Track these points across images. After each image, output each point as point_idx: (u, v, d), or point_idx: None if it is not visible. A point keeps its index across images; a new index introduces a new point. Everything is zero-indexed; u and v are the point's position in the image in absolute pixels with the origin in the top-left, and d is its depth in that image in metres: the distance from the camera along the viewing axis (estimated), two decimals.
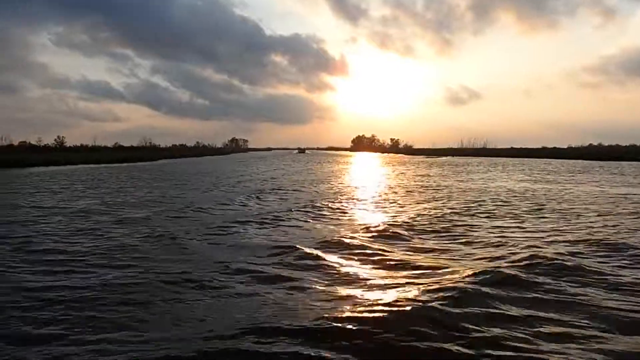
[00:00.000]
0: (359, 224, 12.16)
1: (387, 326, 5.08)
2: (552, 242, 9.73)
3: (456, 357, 4.49)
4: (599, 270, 7.37)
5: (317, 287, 6.66)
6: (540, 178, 30.89)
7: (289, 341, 4.76)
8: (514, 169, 43.29)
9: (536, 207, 15.27)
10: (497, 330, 5.05)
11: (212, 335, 4.93)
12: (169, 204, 16.49)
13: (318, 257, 8.32)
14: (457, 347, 4.64)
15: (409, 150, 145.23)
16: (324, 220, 12.98)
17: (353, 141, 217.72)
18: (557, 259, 7.83)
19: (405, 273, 7.37)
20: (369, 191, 21.79)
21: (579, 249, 8.85)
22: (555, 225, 11.87)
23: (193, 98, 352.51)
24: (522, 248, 9.05)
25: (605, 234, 10.49)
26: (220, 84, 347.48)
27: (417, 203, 16.79)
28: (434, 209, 15.00)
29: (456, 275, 7.02)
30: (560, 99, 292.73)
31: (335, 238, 10.02)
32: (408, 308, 5.54)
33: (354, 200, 17.53)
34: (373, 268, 7.76)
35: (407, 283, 6.76)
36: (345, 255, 8.54)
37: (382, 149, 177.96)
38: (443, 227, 11.56)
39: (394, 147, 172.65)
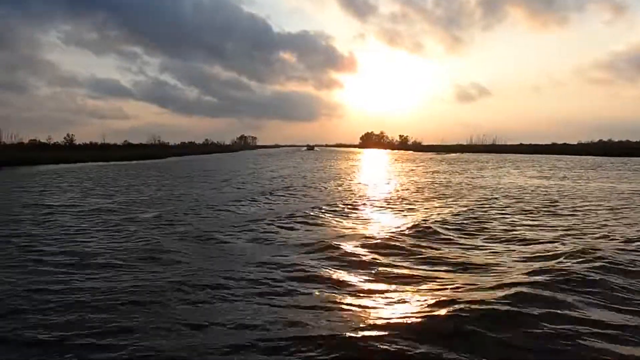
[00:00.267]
0: (391, 223, 11.85)
1: (455, 325, 4.95)
2: (596, 237, 9.55)
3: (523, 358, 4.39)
4: None
5: (370, 287, 6.46)
6: (553, 174, 30.55)
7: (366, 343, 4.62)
8: (526, 166, 42.87)
9: (553, 204, 15.09)
10: (564, 330, 4.88)
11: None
12: (184, 202, 16.41)
13: (361, 255, 8.12)
14: (524, 346, 4.55)
15: (418, 147, 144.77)
16: (352, 219, 12.61)
17: (362, 138, 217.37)
18: (608, 256, 7.61)
19: (459, 272, 7.17)
20: (387, 189, 21.49)
21: (624, 246, 8.57)
22: (588, 221, 11.74)
23: (201, 95, 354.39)
24: (567, 245, 8.81)
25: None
26: (229, 82, 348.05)
27: (439, 201, 16.46)
28: (460, 206, 14.59)
29: (513, 274, 6.79)
30: (569, 96, 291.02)
31: (374, 236, 9.77)
32: (474, 307, 5.33)
33: (376, 199, 16.97)
34: (424, 267, 7.53)
35: (466, 283, 6.53)
36: (389, 253, 8.32)
37: (390, 145, 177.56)
38: (475, 225, 11.25)
39: (403, 144, 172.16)
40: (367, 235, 9.89)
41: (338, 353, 4.44)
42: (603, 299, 5.83)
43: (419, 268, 7.46)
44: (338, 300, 5.89)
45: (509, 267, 7.35)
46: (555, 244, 8.96)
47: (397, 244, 9.06)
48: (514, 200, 16.18)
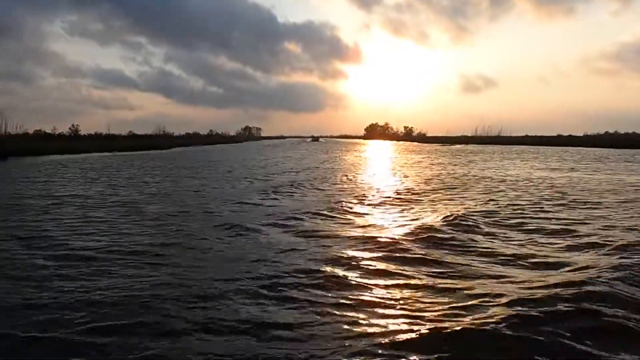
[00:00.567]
0: (428, 214, 11.55)
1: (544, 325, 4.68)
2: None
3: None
4: None
5: (437, 280, 6.29)
6: (573, 167, 30.38)
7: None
8: (541, 158, 42.61)
9: (584, 197, 14.81)
10: None
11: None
12: (187, 195, 16.35)
13: (409, 249, 7.90)
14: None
15: (422, 138, 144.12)
16: (385, 212, 12.21)
17: (366, 129, 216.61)
18: None
19: (516, 267, 6.97)
20: (402, 182, 21.29)
21: None
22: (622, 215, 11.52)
23: (206, 86, 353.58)
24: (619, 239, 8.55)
25: None
26: (234, 72, 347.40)
27: (461, 194, 16.12)
28: (484, 201, 14.01)
29: (584, 270, 6.54)
30: (576, 87, 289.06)
31: (415, 229, 9.53)
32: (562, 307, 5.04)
33: (401, 193, 16.12)
34: (482, 261, 7.29)
35: (534, 279, 6.30)
36: (443, 247, 8.13)
37: (395, 137, 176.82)
38: (510, 219, 10.82)
39: (408, 135, 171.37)
40: (410, 230, 9.60)
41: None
42: None
43: (473, 261, 7.30)
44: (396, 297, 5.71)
45: (570, 261, 7.12)
46: (606, 237, 8.77)
47: (439, 235, 8.91)
48: (538, 192, 16.06)
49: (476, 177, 22.29)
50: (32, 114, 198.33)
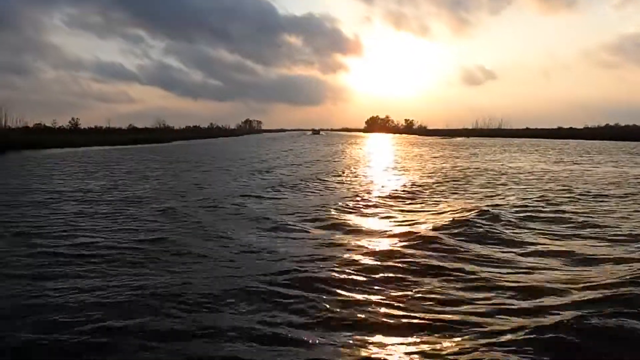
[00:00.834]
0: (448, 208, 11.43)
1: None
2: None
3: None
4: None
5: (483, 275, 6.19)
6: (568, 159, 30.30)
7: None
8: (542, 151, 42.51)
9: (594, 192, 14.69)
10: None
11: None
12: (186, 191, 16.27)
13: (445, 243, 7.76)
14: None
15: (423, 131, 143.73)
16: (397, 207, 11.92)
17: (367, 122, 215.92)
18: None
19: (567, 263, 6.82)
20: (421, 175, 21.27)
21: None
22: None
23: (206, 79, 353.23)
24: None
25: None
26: (234, 65, 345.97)
27: (482, 188, 15.99)
28: (505, 196, 13.68)
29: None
30: (577, 79, 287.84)
31: (451, 218, 9.57)
32: None
33: (418, 187, 15.83)
34: (524, 255, 7.20)
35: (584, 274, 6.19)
36: (481, 241, 8.02)
37: (396, 129, 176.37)
38: (539, 214, 10.57)
39: (408, 128, 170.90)
40: (450, 219, 9.59)
41: None
42: None
43: (513, 254, 7.22)
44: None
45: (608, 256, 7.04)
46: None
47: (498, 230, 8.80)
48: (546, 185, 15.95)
49: (479, 170, 22.20)
50: (32, 107, 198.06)
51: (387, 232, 8.91)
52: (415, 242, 7.78)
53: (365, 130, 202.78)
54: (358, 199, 13.10)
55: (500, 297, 5.41)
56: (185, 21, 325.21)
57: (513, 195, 13.77)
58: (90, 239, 8.36)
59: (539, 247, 7.69)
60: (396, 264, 6.63)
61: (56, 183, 17.12)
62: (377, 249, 7.52)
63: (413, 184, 16.56)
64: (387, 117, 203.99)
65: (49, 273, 6.40)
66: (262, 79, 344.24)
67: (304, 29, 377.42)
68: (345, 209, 11.42)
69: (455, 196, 13.70)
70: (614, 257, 7.01)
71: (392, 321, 4.79)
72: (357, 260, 6.81)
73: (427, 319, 4.79)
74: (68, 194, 14.16)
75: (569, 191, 14.39)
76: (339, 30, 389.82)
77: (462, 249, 7.49)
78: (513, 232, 8.75)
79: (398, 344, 4.34)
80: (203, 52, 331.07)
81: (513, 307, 5.11)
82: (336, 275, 6.16)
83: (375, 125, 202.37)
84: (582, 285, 5.73)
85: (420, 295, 5.49)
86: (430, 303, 5.26)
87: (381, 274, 6.24)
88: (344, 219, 10.18)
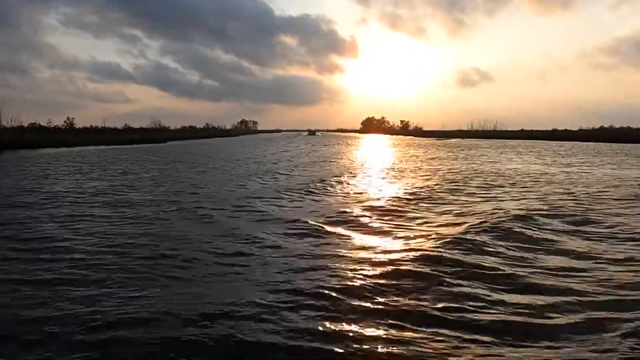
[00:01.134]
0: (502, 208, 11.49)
1: None
2: None
3: None
4: None
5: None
6: (563, 161, 30.38)
7: None
8: (542, 153, 42.62)
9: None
10: None
11: None
12: (182, 194, 16.19)
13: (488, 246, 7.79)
14: None
15: (419, 132, 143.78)
16: (418, 208, 11.93)
17: (363, 123, 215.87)
18: None
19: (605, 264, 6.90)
20: (426, 178, 21.12)
21: None
22: None
23: (202, 79, 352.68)
24: None
25: None
26: (230, 65, 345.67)
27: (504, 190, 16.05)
28: (518, 199, 13.50)
29: None
30: (572, 81, 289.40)
31: (494, 221, 9.54)
32: None
33: (448, 190, 15.58)
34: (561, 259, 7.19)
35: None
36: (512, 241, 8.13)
37: (391, 130, 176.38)
38: (567, 217, 10.56)
39: (404, 129, 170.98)
40: (487, 221, 9.57)
41: None
42: None
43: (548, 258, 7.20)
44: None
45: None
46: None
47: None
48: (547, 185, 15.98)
49: (477, 172, 22.23)
50: (27, 107, 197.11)
51: (421, 234, 8.86)
52: (449, 245, 7.82)
53: (360, 131, 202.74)
54: (361, 205, 12.37)
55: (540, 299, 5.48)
56: (182, 21, 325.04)
57: (530, 197, 13.73)
58: (82, 243, 8.30)
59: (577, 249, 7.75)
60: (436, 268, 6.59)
61: (50, 183, 17.02)
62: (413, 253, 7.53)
63: (426, 187, 16.53)
64: (382, 118, 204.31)
65: (40, 278, 6.34)
66: (258, 79, 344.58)
67: (300, 30, 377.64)
68: (343, 218, 10.46)
69: (472, 198, 13.73)
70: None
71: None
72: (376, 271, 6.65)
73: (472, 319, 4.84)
74: (61, 195, 14.08)
75: (569, 192, 14.48)
76: (334, 31, 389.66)
77: (496, 251, 7.58)
78: (545, 236, 8.72)
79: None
80: (199, 53, 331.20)
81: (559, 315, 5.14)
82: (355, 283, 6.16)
83: (371, 126, 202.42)
84: None
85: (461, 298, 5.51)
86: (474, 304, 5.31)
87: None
88: (342, 229, 9.41)
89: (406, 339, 4.45)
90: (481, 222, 9.58)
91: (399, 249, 7.68)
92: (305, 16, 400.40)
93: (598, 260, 7.05)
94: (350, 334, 4.56)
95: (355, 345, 4.33)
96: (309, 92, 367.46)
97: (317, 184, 16.91)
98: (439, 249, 7.46)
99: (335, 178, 19.41)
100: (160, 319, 4.88)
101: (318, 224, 9.71)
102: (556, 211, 11.18)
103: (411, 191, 15.00)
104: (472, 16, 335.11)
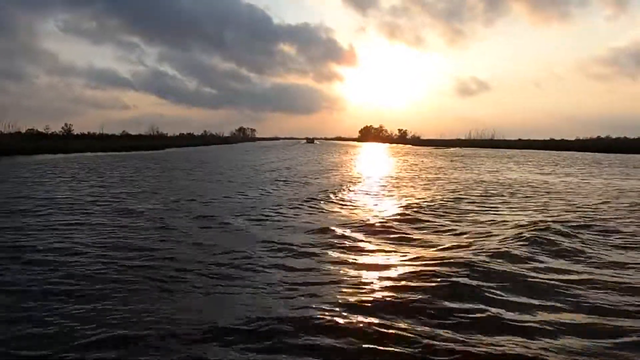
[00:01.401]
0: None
1: None
2: None
3: None
4: None
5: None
6: (561, 171, 30.33)
7: None
8: (540, 163, 42.61)
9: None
10: None
11: None
12: (179, 203, 16.03)
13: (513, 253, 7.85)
14: None
15: (417, 141, 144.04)
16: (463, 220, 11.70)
17: (361, 131, 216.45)
18: None
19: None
20: (428, 187, 20.99)
21: None
22: None
23: (200, 87, 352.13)
24: None
25: None
26: (228, 73, 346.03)
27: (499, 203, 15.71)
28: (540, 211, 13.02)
29: None
30: (569, 91, 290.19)
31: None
32: None
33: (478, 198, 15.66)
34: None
35: None
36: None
37: (389, 139, 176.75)
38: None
39: (402, 138, 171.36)
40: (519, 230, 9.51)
41: None
42: None
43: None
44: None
45: None
46: None
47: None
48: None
49: (477, 181, 22.12)
50: (24, 113, 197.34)
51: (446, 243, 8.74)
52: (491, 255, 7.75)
53: (359, 140, 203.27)
54: (369, 220, 11.39)
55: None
56: (180, 29, 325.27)
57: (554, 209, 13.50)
58: (77, 253, 8.13)
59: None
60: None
61: (46, 190, 16.80)
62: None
63: (434, 198, 16.41)
64: (380, 126, 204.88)
65: (35, 290, 6.18)
66: (257, 87, 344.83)
67: (298, 38, 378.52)
68: (348, 233, 9.74)
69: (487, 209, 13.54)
70: None
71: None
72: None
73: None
74: (58, 202, 13.87)
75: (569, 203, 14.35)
76: (333, 40, 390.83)
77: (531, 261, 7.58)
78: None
79: None
80: (197, 60, 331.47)
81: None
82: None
83: (369, 134, 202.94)
84: None
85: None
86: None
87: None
88: (346, 245, 8.71)
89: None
90: (519, 234, 9.43)
91: (405, 263, 7.55)
92: (304, 24, 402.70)
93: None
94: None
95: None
96: (308, 100, 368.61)
97: (319, 194, 16.75)
98: (471, 259, 7.33)
99: (336, 187, 19.27)
100: (160, 335, 4.72)
101: (343, 233, 9.72)
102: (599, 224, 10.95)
103: (416, 202, 14.68)
104: (470, 26, 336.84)
